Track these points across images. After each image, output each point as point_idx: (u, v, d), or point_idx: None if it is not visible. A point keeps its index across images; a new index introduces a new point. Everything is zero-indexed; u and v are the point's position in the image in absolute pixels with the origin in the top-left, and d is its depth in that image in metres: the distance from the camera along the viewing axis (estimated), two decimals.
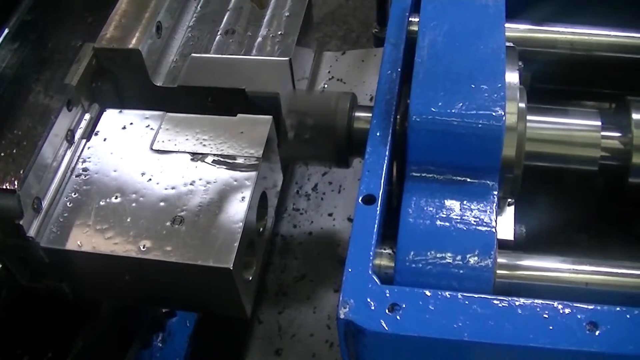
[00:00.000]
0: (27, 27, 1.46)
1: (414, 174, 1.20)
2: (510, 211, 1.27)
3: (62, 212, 1.26)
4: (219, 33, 1.57)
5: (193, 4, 1.61)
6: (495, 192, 1.17)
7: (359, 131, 1.33)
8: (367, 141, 1.24)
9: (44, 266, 1.26)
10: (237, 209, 1.22)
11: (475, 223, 1.13)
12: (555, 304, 1.02)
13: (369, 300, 1.04)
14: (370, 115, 1.30)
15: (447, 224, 1.13)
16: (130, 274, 1.25)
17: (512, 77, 1.25)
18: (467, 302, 1.03)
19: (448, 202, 1.16)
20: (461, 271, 1.09)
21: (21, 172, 1.22)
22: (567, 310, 1.01)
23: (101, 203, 1.26)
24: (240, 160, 1.29)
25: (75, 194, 1.28)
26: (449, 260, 1.09)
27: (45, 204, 1.26)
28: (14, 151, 1.25)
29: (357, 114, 1.35)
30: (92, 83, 1.41)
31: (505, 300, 1.03)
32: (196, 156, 1.31)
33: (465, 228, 1.13)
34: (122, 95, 1.48)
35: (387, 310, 1.03)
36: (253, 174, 1.27)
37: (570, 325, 1.00)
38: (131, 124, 1.38)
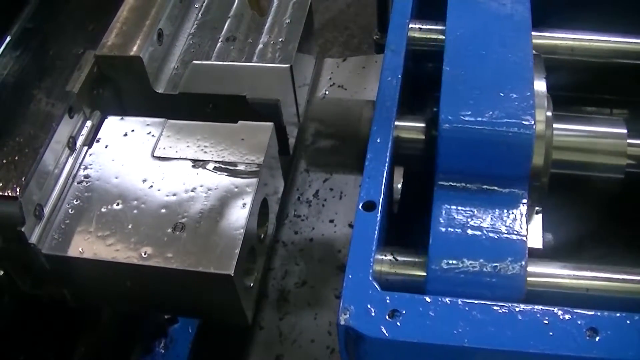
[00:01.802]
0: (28, 34, 1.47)
1: (443, 182, 1.19)
2: (537, 219, 1.27)
3: (64, 218, 1.27)
4: (220, 40, 1.57)
5: (194, 11, 1.62)
6: (525, 201, 1.17)
7: None
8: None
9: (46, 272, 1.27)
10: (238, 215, 1.22)
11: (506, 231, 1.13)
12: (555, 309, 1.02)
13: (369, 306, 1.04)
14: (398, 123, 1.30)
15: (478, 232, 1.13)
16: (131, 280, 1.25)
17: (539, 85, 1.25)
18: (467, 308, 1.03)
19: (478, 211, 1.15)
20: (493, 280, 1.09)
21: (23, 179, 1.23)
22: (567, 316, 1.01)
23: (102, 210, 1.27)
24: (241, 167, 1.30)
25: (76, 201, 1.29)
26: (481, 269, 1.09)
27: (46, 210, 1.26)
28: (16, 158, 1.26)
29: None
30: (94, 90, 1.42)
31: (505, 306, 1.03)
32: (197, 163, 1.31)
33: (496, 237, 1.12)
34: (123, 102, 1.49)
35: (387, 317, 1.03)
36: (254, 180, 1.27)
37: (570, 331, 1.00)
38: (132, 131, 1.38)
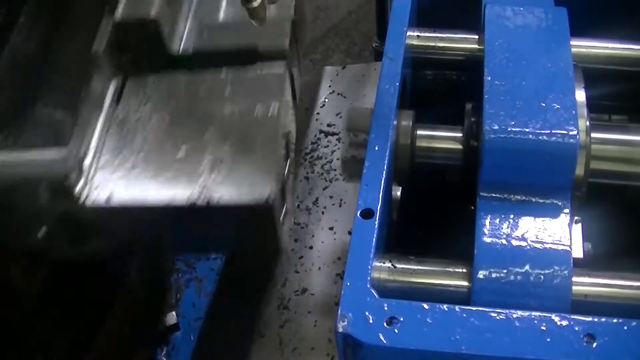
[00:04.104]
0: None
1: (485, 193, 1.20)
2: (577, 229, 1.27)
3: (103, 166, 1.20)
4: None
5: None
6: (567, 211, 1.17)
7: (422, 149, 1.33)
8: (365, 156, 1.24)
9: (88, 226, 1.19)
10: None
11: (550, 242, 1.14)
12: (553, 315, 1.02)
13: (367, 313, 1.04)
14: (434, 133, 1.32)
15: (523, 243, 1.14)
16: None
17: (579, 94, 1.25)
18: (464, 315, 1.03)
19: (522, 222, 1.16)
20: (539, 290, 1.10)
21: None
22: (564, 322, 1.02)
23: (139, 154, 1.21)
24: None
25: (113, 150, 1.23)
26: (526, 279, 1.10)
27: (87, 162, 1.20)
28: None
29: (420, 132, 1.34)
30: (113, 55, 1.35)
31: (503, 312, 1.03)
32: None
33: (540, 247, 1.13)
34: (142, 65, 1.41)
35: (385, 324, 1.03)
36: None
37: (567, 337, 1.00)
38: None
